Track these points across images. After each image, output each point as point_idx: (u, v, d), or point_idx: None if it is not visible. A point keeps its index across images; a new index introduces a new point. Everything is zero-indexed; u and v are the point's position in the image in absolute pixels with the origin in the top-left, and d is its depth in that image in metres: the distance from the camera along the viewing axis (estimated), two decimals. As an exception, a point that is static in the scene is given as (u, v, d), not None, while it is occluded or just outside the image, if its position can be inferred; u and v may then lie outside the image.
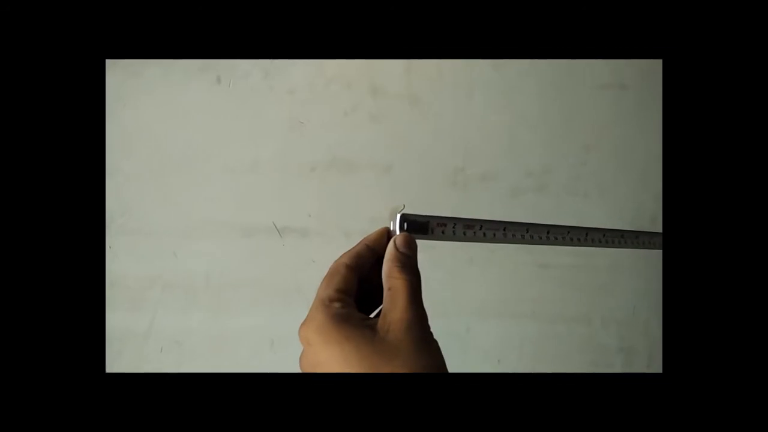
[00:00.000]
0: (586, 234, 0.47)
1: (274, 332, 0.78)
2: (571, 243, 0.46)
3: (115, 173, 0.75)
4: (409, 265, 0.34)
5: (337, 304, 0.32)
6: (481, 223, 0.40)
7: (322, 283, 0.35)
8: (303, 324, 0.33)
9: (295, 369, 0.35)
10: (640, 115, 0.86)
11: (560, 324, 0.84)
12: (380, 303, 0.36)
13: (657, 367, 0.86)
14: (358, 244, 0.37)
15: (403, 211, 0.36)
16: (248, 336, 0.78)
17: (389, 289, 0.33)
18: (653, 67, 0.85)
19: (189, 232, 0.77)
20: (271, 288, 0.78)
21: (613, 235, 0.50)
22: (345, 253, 0.37)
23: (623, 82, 0.85)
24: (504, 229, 0.41)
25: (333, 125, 0.79)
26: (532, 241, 0.43)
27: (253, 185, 0.78)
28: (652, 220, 0.86)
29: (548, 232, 0.44)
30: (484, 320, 0.82)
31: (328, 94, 0.79)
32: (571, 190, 0.84)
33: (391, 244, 0.35)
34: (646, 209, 0.86)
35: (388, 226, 0.37)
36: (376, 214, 0.77)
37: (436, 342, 0.33)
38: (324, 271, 0.37)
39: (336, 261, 0.36)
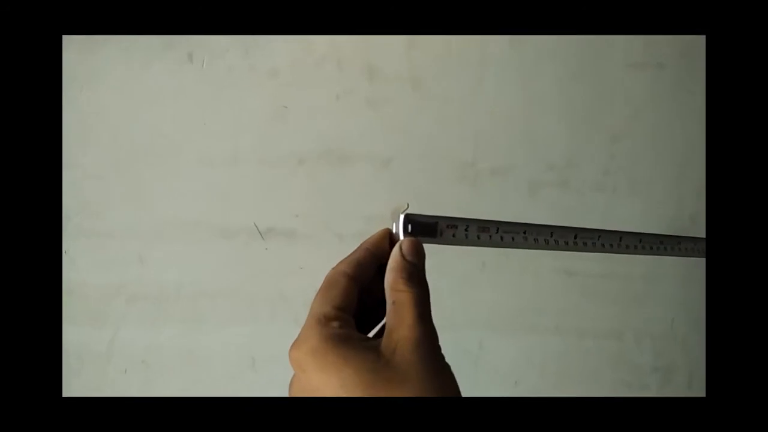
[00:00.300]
0: (620, 239, 0.47)
1: (256, 349, 0.78)
2: (602, 249, 0.46)
3: (72, 166, 0.75)
4: (416, 275, 0.34)
5: (335, 323, 0.32)
6: (498, 225, 0.40)
7: (317, 296, 0.34)
8: (294, 345, 0.33)
9: (282, 392, 0.35)
10: (679, 98, 0.86)
11: (587, 339, 0.85)
12: (381, 318, 0.36)
13: (699, 389, 0.86)
14: (357, 250, 0.37)
15: (408, 211, 0.36)
16: (226, 354, 0.78)
17: (394, 302, 0.33)
18: (695, 43, 0.84)
19: (158, 234, 0.77)
20: (253, 298, 0.78)
21: (650, 241, 0.49)
22: (343, 260, 0.36)
23: (660, 60, 0.85)
24: (524, 233, 0.41)
25: (323, 111, 0.79)
26: (557, 247, 0.42)
27: (232, 180, 0.78)
28: (693, 219, 0.86)
29: (576, 237, 0.44)
30: (499, 335, 0.83)
31: (318, 76, 0.79)
32: (598, 186, 0.84)
33: (395, 250, 0.35)
34: (685, 207, 0.86)
35: (389, 227, 0.37)
36: (373, 213, 0.77)
37: (448, 366, 0.33)
38: (312, 278, 0.36)
39: (333, 269, 0.35)
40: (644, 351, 0.86)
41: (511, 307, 0.83)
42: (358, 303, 0.35)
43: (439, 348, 0.33)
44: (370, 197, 0.79)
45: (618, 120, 0.85)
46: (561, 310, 0.84)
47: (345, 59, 0.79)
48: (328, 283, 0.35)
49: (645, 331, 0.86)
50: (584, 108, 0.84)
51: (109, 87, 0.76)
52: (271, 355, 0.78)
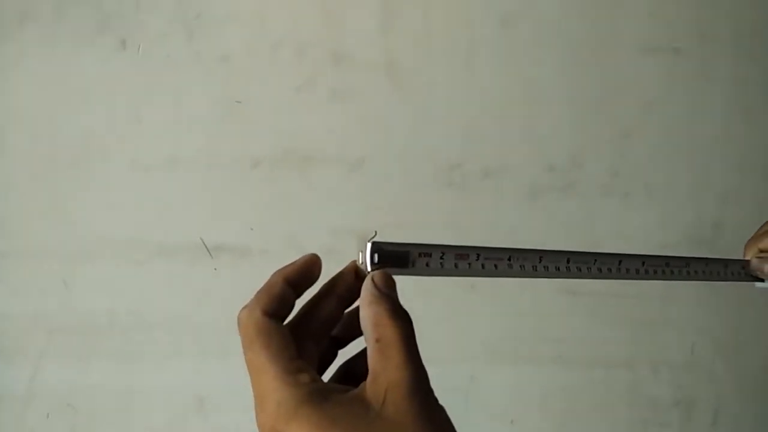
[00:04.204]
0: (620, 262, 0.45)
1: (203, 389, 0.76)
2: (599, 275, 0.44)
3: (-19, 174, 0.73)
4: (399, 308, 0.33)
5: (303, 377, 0.31)
6: (479, 252, 0.38)
7: (258, 349, 0.33)
8: (261, 412, 0.31)
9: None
10: (698, 88, 0.84)
11: (595, 370, 0.83)
12: (328, 362, 0.37)
13: (726, 427, 0.85)
14: (267, 284, 0.35)
15: (375, 239, 0.35)
16: (168, 394, 0.76)
17: (378, 340, 0.32)
18: (716, 24, 0.83)
19: (84, 255, 0.75)
20: (199, 328, 0.76)
21: (655, 264, 0.47)
22: (259, 294, 0.34)
23: (675, 44, 0.83)
24: (509, 259, 0.40)
25: (282, 105, 0.77)
26: (546, 274, 0.41)
27: (172, 188, 0.76)
28: (716, 227, 0.84)
29: (569, 261, 0.42)
30: (493, 367, 0.81)
31: (275, 63, 0.77)
32: (606, 190, 0.82)
33: (368, 283, 0.34)
34: (706, 213, 0.84)
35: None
36: (342, 224, 0.76)
37: (442, 408, 0.32)
38: None
39: (268, 323, 0.33)
40: (662, 382, 0.84)
41: (506, 334, 0.81)
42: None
43: (430, 389, 0.32)
44: (339, 206, 0.78)
45: (629, 113, 0.83)
46: (564, 337, 0.82)
47: (306, 43, 0.78)
48: (268, 331, 0.33)
49: (662, 359, 0.84)
50: (590, 99, 0.83)
51: (26, 79, 0.74)
52: (221, 396, 0.76)
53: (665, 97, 0.83)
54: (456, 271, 0.38)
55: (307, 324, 0.35)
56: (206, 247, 0.76)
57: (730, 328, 0.83)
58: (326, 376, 0.37)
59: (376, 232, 0.36)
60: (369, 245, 0.35)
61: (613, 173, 0.82)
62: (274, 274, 0.35)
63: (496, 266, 0.39)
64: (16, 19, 0.73)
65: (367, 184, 0.78)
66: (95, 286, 0.74)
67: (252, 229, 0.76)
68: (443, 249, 0.38)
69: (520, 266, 0.40)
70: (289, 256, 0.80)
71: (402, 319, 0.33)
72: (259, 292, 0.34)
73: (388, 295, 0.34)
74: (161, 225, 0.75)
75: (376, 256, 0.35)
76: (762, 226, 0.55)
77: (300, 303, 0.36)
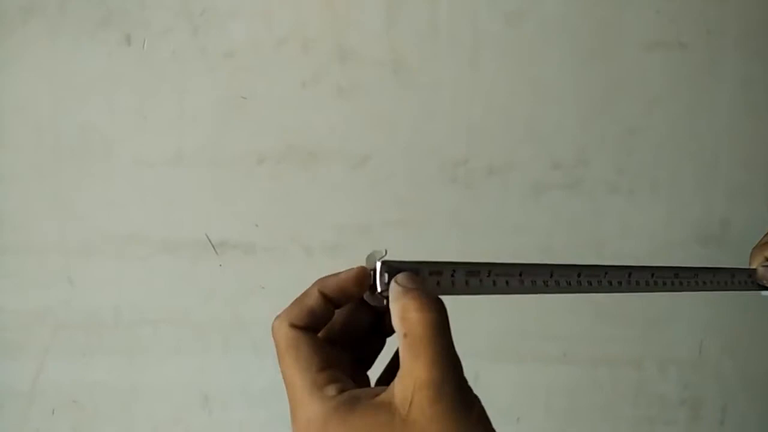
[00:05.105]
0: (629, 275, 0.45)
1: (207, 385, 0.76)
2: (610, 288, 0.45)
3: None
4: (428, 296, 0.32)
5: (332, 389, 0.31)
6: (490, 268, 0.39)
7: (296, 361, 0.33)
8: (294, 424, 0.32)
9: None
10: (705, 83, 0.82)
11: (602, 368, 0.82)
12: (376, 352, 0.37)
13: (734, 425, 0.84)
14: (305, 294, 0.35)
15: (385, 258, 0.35)
16: (172, 391, 0.76)
17: (405, 335, 0.31)
18: (723, 18, 0.82)
19: (89, 250, 0.75)
20: (204, 324, 0.76)
21: (664, 275, 0.48)
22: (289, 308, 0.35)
23: (682, 39, 0.82)
24: (520, 274, 0.40)
25: (287, 102, 0.77)
26: (557, 289, 0.42)
27: (177, 184, 0.76)
28: (724, 225, 0.83)
29: (579, 275, 0.43)
30: (499, 364, 0.81)
31: (281, 59, 0.77)
32: (612, 187, 0.82)
33: (392, 285, 0.34)
34: (714, 210, 0.83)
35: (363, 266, 0.36)
36: (347, 221, 0.76)
37: (473, 405, 0.31)
38: (275, 300, 0.35)
39: (296, 335, 0.34)
40: (669, 380, 0.84)
41: (512, 331, 0.81)
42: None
43: (462, 385, 0.31)
44: (344, 202, 0.77)
45: (634, 110, 0.83)
46: (570, 335, 0.82)
47: (312, 39, 0.77)
48: (296, 343, 0.33)
49: (669, 357, 0.84)
50: (595, 96, 0.82)
51: (31, 73, 0.74)
52: (226, 392, 0.76)
53: (671, 94, 0.82)
54: (467, 289, 0.38)
55: (344, 330, 0.35)
56: (211, 243, 0.76)
57: (738, 326, 0.82)
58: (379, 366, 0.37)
59: (386, 251, 0.35)
60: (379, 264, 0.35)
61: (618, 170, 0.81)
62: (315, 282, 0.35)
63: (507, 282, 0.39)
64: (20, 14, 0.72)
65: (372, 180, 0.77)
66: (100, 282, 0.75)
67: (257, 225, 0.76)
68: (454, 266, 0.38)
69: (532, 281, 0.40)
70: (294, 253, 0.81)
71: (430, 311, 0.32)
72: (293, 302, 0.35)
73: (414, 288, 0.33)
74: (166, 221, 0.75)
75: (386, 275, 0.35)
76: (766, 235, 0.55)
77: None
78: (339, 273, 0.35)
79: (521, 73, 0.80)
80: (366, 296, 0.35)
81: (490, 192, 0.80)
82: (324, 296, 0.34)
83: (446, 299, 0.75)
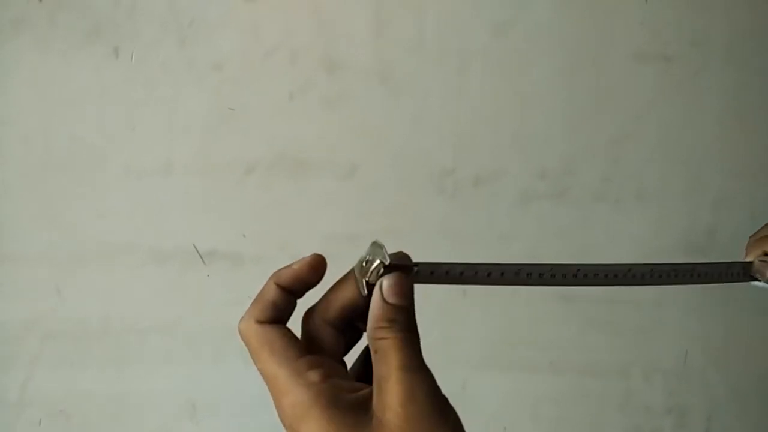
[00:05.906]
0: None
1: (196, 395, 0.76)
2: (604, 281, 0.43)
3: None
4: (400, 318, 0.33)
5: (314, 375, 0.32)
6: (490, 270, 0.39)
7: (272, 355, 0.33)
8: (281, 413, 0.32)
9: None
10: (690, 94, 0.83)
11: (588, 377, 0.82)
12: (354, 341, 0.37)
13: None
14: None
15: (387, 261, 0.34)
16: (161, 401, 0.76)
17: (375, 352, 0.32)
18: (706, 31, 0.82)
19: (77, 260, 0.75)
20: (192, 334, 0.76)
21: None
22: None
23: (668, 51, 0.83)
24: (502, 274, 0.39)
25: (275, 112, 0.77)
26: (554, 282, 0.41)
27: (166, 195, 0.76)
28: (709, 234, 0.83)
29: (578, 271, 0.42)
30: (486, 373, 0.81)
31: (268, 70, 0.77)
32: (598, 196, 0.82)
33: (376, 294, 0.34)
34: (700, 220, 0.83)
35: (318, 253, 0.36)
36: (335, 231, 0.76)
37: (454, 414, 0.32)
38: None
39: (265, 331, 0.34)
40: (655, 389, 0.84)
41: (499, 340, 0.81)
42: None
43: (438, 392, 0.32)
44: (332, 212, 0.78)
45: (621, 120, 0.83)
46: (557, 344, 0.82)
47: (300, 50, 0.77)
48: (268, 338, 0.34)
49: (655, 367, 0.84)
50: (582, 106, 0.82)
51: (20, 86, 0.74)
52: (214, 402, 0.76)
53: (658, 104, 0.83)
54: (459, 279, 0.38)
55: (326, 311, 0.35)
56: (199, 253, 0.76)
57: (724, 335, 0.83)
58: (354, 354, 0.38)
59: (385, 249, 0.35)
60: (377, 262, 0.34)
61: (605, 179, 0.82)
62: (270, 277, 0.35)
63: (502, 274, 0.39)
64: (9, 26, 0.72)
65: (360, 190, 0.78)
66: (88, 292, 0.75)
67: (245, 235, 0.76)
68: (448, 267, 0.37)
69: (527, 274, 0.40)
70: (282, 263, 0.80)
71: (401, 330, 0.33)
72: (254, 301, 0.35)
73: (392, 305, 0.33)
74: (154, 231, 0.75)
75: (381, 271, 0.34)
76: (764, 228, 0.54)
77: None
78: (292, 263, 0.35)
79: (508, 84, 0.81)
80: (356, 271, 0.35)
81: (478, 201, 0.80)
82: (281, 288, 0.34)
83: (433, 307, 0.75)
